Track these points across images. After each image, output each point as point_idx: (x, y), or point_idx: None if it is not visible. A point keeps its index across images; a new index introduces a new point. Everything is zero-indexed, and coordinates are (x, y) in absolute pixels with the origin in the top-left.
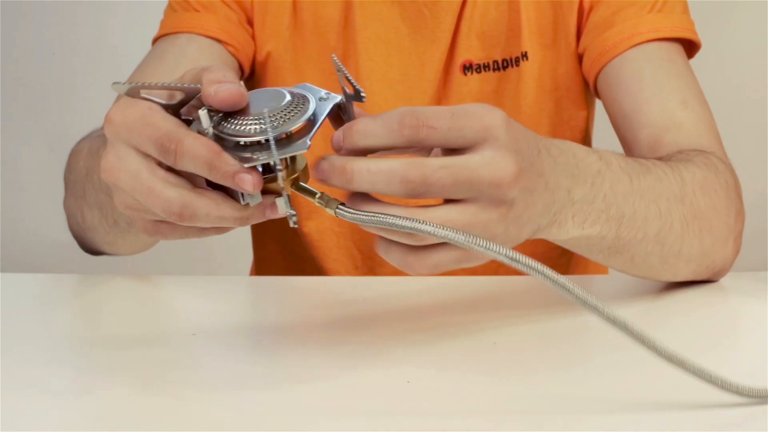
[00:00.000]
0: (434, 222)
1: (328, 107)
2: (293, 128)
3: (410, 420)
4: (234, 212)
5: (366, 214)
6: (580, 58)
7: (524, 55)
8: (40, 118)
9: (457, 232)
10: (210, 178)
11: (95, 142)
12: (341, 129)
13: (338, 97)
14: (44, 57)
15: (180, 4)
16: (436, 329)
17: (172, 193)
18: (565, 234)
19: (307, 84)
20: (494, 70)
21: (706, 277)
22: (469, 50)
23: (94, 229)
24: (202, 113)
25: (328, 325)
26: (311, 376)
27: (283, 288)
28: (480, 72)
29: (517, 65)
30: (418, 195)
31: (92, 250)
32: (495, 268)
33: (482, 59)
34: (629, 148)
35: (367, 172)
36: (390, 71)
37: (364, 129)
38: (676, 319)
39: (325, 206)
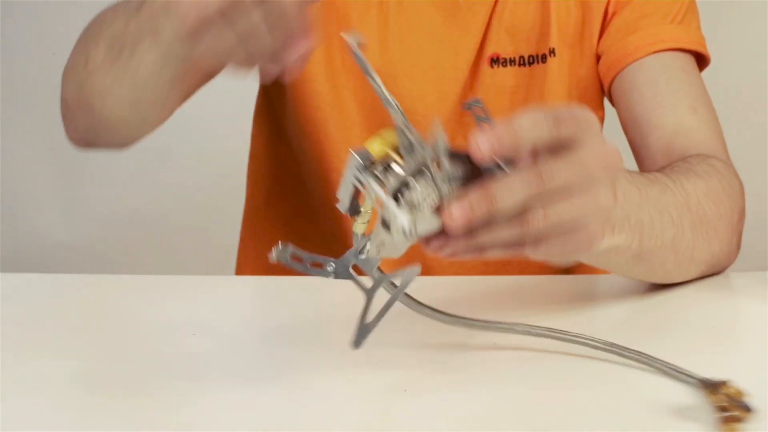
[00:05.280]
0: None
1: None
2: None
3: (408, 427)
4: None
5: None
6: (597, 58)
7: (552, 52)
8: (40, 118)
9: None
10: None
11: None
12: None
13: None
14: (44, 57)
15: None
16: (435, 329)
17: None
18: (603, 244)
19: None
20: (520, 65)
21: (710, 274)
22: (498, 44)
23: (96, 71)
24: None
25: (328, 326)
26: (310, 379)
27: (284, 288)
28: (506, 66)
29: (544, 62)
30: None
31: (82, 128)
32: (495, 268)
33: (510, 54)
34: (639, 152)
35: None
36: (423, 57)
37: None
38: (677, 319)
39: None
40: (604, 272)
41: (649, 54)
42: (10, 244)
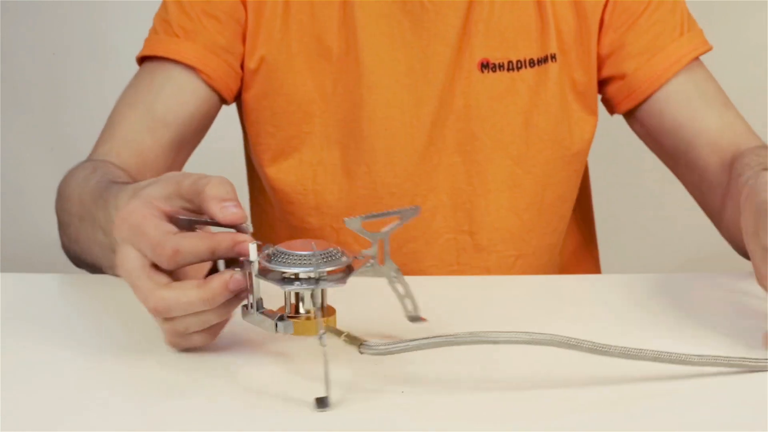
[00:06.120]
0: None
1: (360, 264)
2: (335, 269)
3: (407, 426)
4: (199, 294)
5: (393, 345)
6: (598, 65)
7: (553, 57)
8: (40, 118)
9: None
10: (215, 258)
11: (87, 190)
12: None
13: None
14: (44, 57)
15: (162, 26)
16: (433, 329)
17: (148, 288)
18: None
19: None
20: (512, 69)
21: None
22: (486, 48)
23: (97, 265)
24: (252, 246)
25: None
26: (310, 378)
27: None
28: (496, 71)
29: (541, 65)
30: None
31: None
32: (505, 267)
33: (499, 59)
34: (687, 156)
35: None
36: (396, 65)
37: None
38: (673, 319)
39: (350, 344)
40: (596, 273)
41: (676, 73)
42: (10, 244)
